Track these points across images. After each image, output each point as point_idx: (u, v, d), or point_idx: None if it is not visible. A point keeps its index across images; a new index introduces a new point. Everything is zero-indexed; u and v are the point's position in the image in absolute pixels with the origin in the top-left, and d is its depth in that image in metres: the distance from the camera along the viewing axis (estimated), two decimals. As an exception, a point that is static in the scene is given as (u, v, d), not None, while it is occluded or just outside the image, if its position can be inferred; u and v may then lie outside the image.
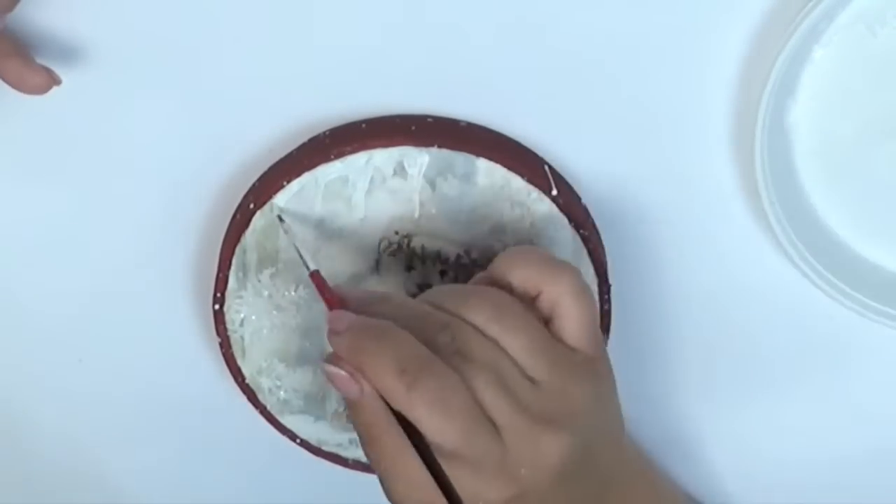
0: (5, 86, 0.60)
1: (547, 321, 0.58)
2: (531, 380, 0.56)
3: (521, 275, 0.58)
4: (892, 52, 0.60)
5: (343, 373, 0.55)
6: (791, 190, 0.63)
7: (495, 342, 0.56)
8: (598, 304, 0.62)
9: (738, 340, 0.69)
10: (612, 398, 0.60)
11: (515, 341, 0.56)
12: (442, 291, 0.59)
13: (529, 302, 0.58)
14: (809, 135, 0.62)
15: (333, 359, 0.56)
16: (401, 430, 0.54)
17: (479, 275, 0.60)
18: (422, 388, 0.53)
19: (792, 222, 0.62)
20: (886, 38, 0.60)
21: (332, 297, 0.59)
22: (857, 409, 0.70)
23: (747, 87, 0.61)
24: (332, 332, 0.56)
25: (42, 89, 0.60)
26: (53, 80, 0.60)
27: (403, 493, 0.56)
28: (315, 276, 0.59)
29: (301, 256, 0.61)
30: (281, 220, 0.62)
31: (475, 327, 0.56)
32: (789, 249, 0.62)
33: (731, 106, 0.62)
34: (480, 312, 0.56)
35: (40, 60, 0.61)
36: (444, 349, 0.55)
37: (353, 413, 0.56)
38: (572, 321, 0.58)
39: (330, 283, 0.60)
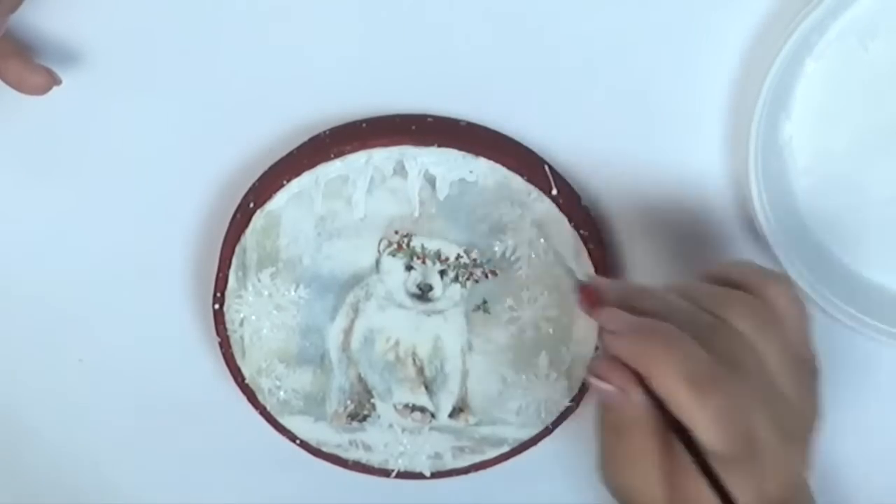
0: (5, 86, 0.60)
1: None
2: (783, 395, 0.55)
3: (738, 281, 0.57)
4: (884, 66, 0.60)
5: (612, 389, 0.53)
6: (786, 205, 0.63)
7: (757, 353, 0.55)
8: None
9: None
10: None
11: (774, 355, 0.55)
12: (701, 290, 0.57)
13: None
14: (803, 151, 0.62)
15: (600, 370, 0.54)
16: (654, 432, 0.53)
17: (703, 284, 0.58)
18: (711, 404, 0.52)
19: (787, 237, 0.62)
20: (878, 51, 0.60)
21: (586, 289, 0.57)
22: (853, 420, 0.70)
23: (742, 96, 0.61)
24: (608, 332, 0.54)
25: (42, 89, 0.60)
26: (54, 81, 0.60)
27: (632, 484, 0.55)
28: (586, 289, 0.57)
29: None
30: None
31: (741, 334, 0.55)
32: (784, 263, 0.62)
33: (727, 104, 0.62)
34: (746, 319, 0.55)
35: (40, 61, 0.61)
36: (718, 353, 0.53)
37: (605, 408, 0.55)
38: (795, 329, 0.57)
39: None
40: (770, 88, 0.58)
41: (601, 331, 0.56)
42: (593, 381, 0.54)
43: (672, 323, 0.54)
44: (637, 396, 0.53)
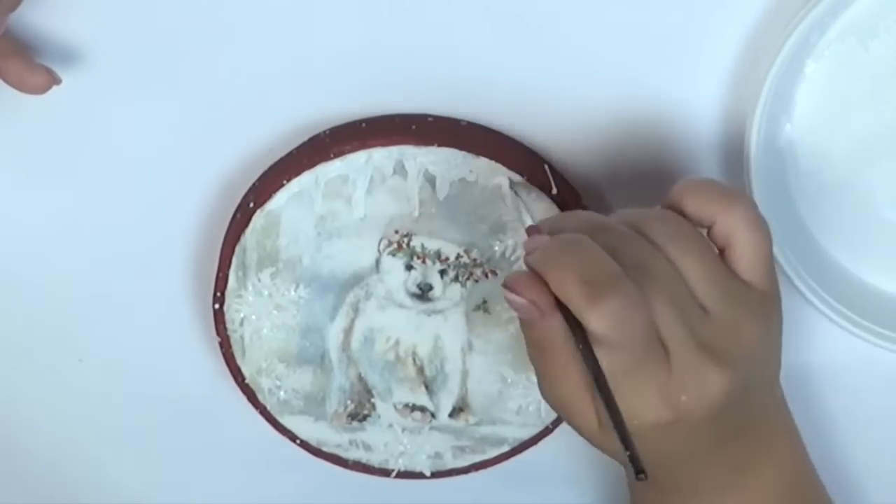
0: (5, 85, 0.60)
1: (721, 252, 0.56)
2: (704, 308, 0.54)
3: (695, 203, 0.56)
4: (885, 66, 0.60)
5: (523, 301, 0.53)
6: (785, 208, 0.62)
7: (673, 264, 0.54)
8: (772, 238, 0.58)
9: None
10: (777, 338, 0.58)
11: (692, 266, 0.54)
12: (625, 211, 0.57)
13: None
14: (803, 153, 0.62)
15: (513, 284, 0.54)
16: (572, 345, 0.53)
17: (639, 208, 0.58)
18: (605, 304, 0.52)
19: (786, 240, 0.62)
20: (878, 50, 0.60)
21: (532, 230, 0.57)
22: (851, 423, 0.70)
23: (741, 98, 0.61)
24: (526, 255, 0.55)
25: (42, 89, 0.60)
26: (54, 80, 0.60)
27: (562, 400, 0.56)
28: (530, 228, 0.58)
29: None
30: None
31: (656, 246, 0.54)
32: (784, 264, 0.62)
33: (727, 106, 0.62)
34: (661, 232, 0.55)
35: (40, 60, 0.61)
36: (626, 259, 0.53)
37: (525, 326, 0.55)
38: (747, 253, 0.56)
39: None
40: (770, 90, 0.58)
41: (524, 257, 0.55)
42: (506, 293, 0.54)
43: (582, 233, 0.54)
44: (548, 308, 0.53)
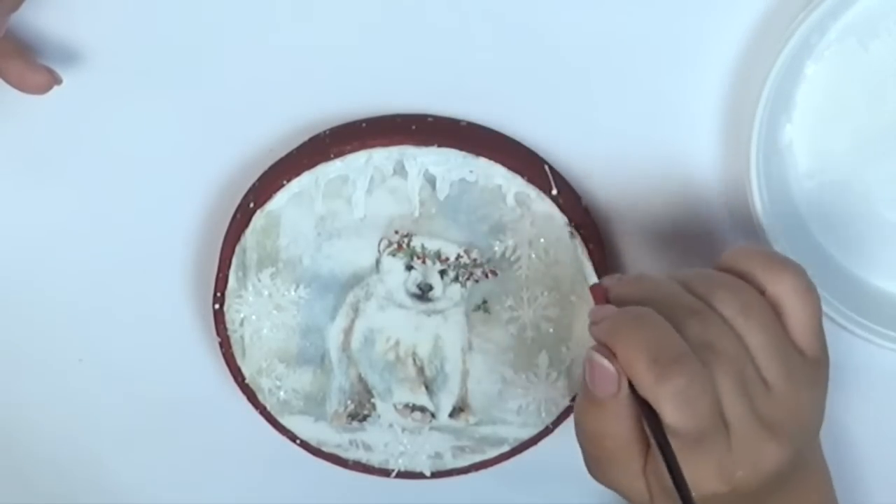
0: (6, 86, 0.60)
1: None
2: (765, 382, 0.55)
3: (744, 270, 0.56)
4: (885, 66, 0.60)
5: (612, 367, 0.53)
6: (786, 208, 0.62)
7: (740, 337, 0.55)
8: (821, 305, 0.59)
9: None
10: (825, 400, 0.59)
11: (758, 341, 0.55)
12: (692, 274, 0.57)
13: None
14: (804, 154, 0.62)
15: (600, 355, 0.54)
16: (630, 423, 0.54)
17: (704, 270, 0.58)
18: (671, 382, 0.52)
19: (788, 240, 0.62)
20: (879, 51, 0.60)
21: (598, 290, 0.57)
22: (853, 422, 0.70)
23: (742, 98, 0.61)
24: (592, 324, 0.55)
25: (43, 89, 0.60)
26: (55, 80, 0.60)
27: (619, 481, 0.56)
28: (595, 288, 0.58)
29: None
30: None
31: (723, 318, 0.55)
32: None
33: (728, 105, 0.62)
34: (730, 305, 0.55)
35: (40, 61, 0.61)
36: (693, 335, 0.53)
37: (587, 407, 0.55)
38: (798, 321, 0.56)
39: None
40: (771, 91, 0.58)
41: (589, 326, 0.56)
42: (598, 360, 0.54)
43: (653, 307, 0.54)
44: (623, 381, 0.54)
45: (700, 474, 0.54)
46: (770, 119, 0.59)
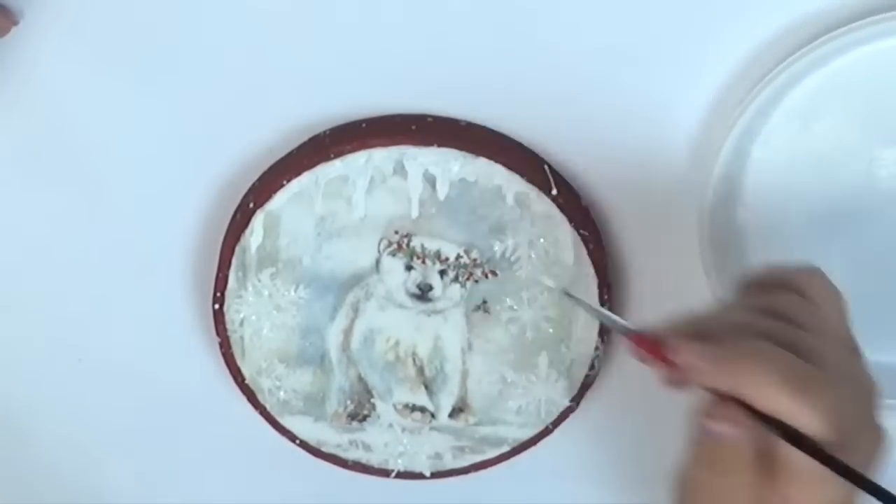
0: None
1: None
2: (854, 377, 0.55)
3: (777, 282, 0.56)
4: (830, 147, 0.60)
5: (735, 432, 0.51)
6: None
7: (824, 345, 0.54)
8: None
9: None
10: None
11: (831, 343, 0.54)
12: (755, 300, 0.56)
13: None
14: (756, 234, 0.62)
15: (714, 413, 0.52)
16: (751, 460, 0.52)
17: (741, 295, 0.57)
18: (819, 401, 0.51)
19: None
20: (823, 132, 0.60)
21: (640, 338, 0.54)
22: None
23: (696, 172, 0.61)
24: (692, 370, 0.52)
25: (5, 31, 0.60)
26: (11, 20, 0.60)
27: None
28: (635, 336, 0.55)
29: (613, 321, 0.57)
30: (569, 295, 0.62)
31: (806, 330, 0.54)
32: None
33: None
34: (805, 317, 0.54)
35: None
36: (802, 353, 0.52)
37: (710, 447, 0.53)
38: (836, 314, 0.56)
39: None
40: (719, 176, 0.59)
41: (688, 374, 0.53)
42: (713, 425, 0.52)
43: (725, 332, 0.53)
44: (747, 422, 0.52)
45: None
46: (722, 201, 0.60)
